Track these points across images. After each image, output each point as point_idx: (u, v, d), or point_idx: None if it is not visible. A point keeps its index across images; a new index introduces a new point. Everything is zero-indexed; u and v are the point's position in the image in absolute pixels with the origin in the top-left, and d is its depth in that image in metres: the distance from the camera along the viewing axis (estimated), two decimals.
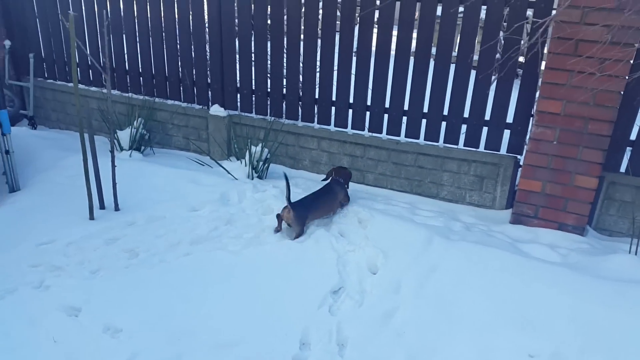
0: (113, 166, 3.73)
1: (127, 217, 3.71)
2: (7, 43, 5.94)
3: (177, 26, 4.97)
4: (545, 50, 3.59)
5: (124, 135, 4.96)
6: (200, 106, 5.14)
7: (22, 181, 4.27)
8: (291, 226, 3.51)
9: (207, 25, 4.84)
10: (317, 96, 4.62)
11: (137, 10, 5.11)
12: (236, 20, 4.69)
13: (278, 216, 3.57)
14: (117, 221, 3.65)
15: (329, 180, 3.93)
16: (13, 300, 2.81)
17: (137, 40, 5.21)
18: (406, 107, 4.26)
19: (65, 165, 4.51)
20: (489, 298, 2.83)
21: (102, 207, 3.82)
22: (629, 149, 3.68)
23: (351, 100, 4.48)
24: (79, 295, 2.83)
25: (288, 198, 3.45)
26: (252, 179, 4.47)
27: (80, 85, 5.68)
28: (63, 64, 5.76)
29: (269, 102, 4.83)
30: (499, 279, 2.96)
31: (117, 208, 3.82)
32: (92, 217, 3.67)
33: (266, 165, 4.57)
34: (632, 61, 3.27)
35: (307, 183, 4.48)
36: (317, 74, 4.57)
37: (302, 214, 3.48)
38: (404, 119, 4.31)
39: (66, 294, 2.85)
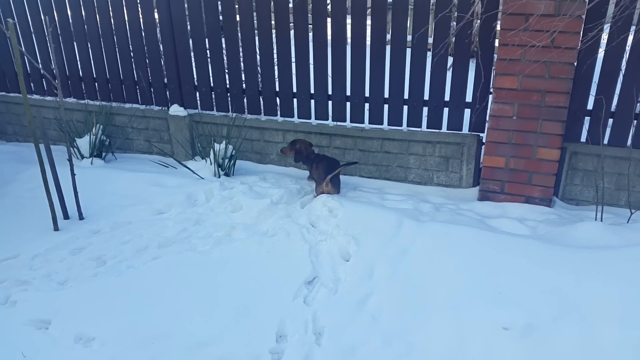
0: (73, 175, 3.63)
1: (92, 226, 3.61)
2: None
3: (127, 29, 4.85)
4: (498, 27, 3.64)
5: (83, 143, 4.82)
6: (159, 107, 5.05)
7: None
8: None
9: (158, 25, 4.74)
10: (277, 89, 4.59)
11: (85, 15, 4.96)
12: (187, 19, 4.61)
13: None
14: (82, 230, 3.55)
15: (316, 155, 4.18)
16: None
17: (89, 45, 5.07)
18: (367, 94, 4.27)
19: (25, 178, 4.37)
20: (460, 275, 2.86)
21: (65, 217, 3.71)
22: (587, 118, 3.77)
23: (312, 91, 4.46)
24: (47, 308, 2.74)
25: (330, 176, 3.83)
26: (219, 177, 4.42)
27: (35, 96, 5.51)
28: (13, 74, 5.57)
29: (229, 98, 4.78)
30: (469, 255, 3.00)
31: (81, 217, 3.72)
32: (56, 228, 3.57)
33: (232, 162, 4.52)
34: (581, 32, 3.35)
35: (276, 177, 4.45)
36: (276, 67, 4.53)
37: (336, 182, 3.89)
38: (366, 105, 4.32)
39: (34, 308, 2.76)
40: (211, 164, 4.48)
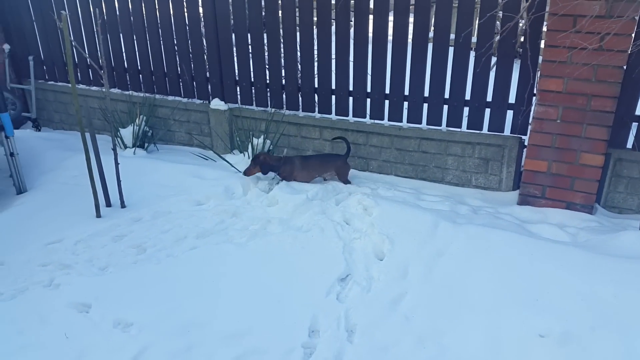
0: (116, 164, 3.74)
1: (133, 214, 3.72)
2: (7, 47, 5.95)
3: (172, 22, 4.96)
4: (545, 28, 3.55)
5: (127, 133, 4.96)
6: (201, 101, 5.14)
7: (28, 183, 4.29)
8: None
9: (202, 20, 4.83)
10: (316, 85, 4.60)
11: (132, 8, 5.09)
12: (231, 14, 4.67)
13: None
14: (124, 218, 3.66)
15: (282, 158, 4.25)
16: (24, 299, 2.83)
17: (134, 38, 5.21)
18: (407, 93, 4.24)
19: (70, 165, 4.53)
20: (497, 280, 2.82)
21: (108, 204, 3.84)
22: (634, 124, 3.64)
23: (351, 88, 4.46)
24: (88, 292, 2.85)
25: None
26: None
27: (80, 86, 5.69)
28: (62, 65, 5.77)
29: (268, 94, 4.82)
30: (507, 260, 2.95)
31: (123, 205, 3.84)
32: (98, 215, 3.69)
33: None
34: (633, 35, 3.23)
35: None
36: (315, 63, 4.55)
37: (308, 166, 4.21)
38: (405, 104, 4.28)
39: (76, 291, 2.87)
40: (249, 158, 4.54)
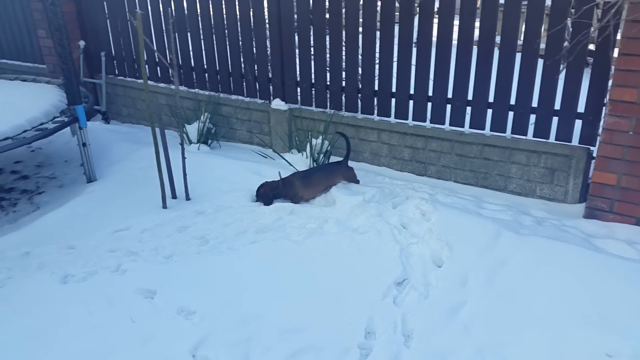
0: (183, 158, 3.88)
1: (197, 207, 3.85)
2: (82, 43, 6.30)
3: (238, 23, 5.09)
4: (619, 36, 3.41)
5: (192, 129, 5.14)
6: (262, 100, 5.25)
7: (98, 172, 4.52)
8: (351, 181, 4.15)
9: (267, 21, 4.93)
10: (376, 88, 4.61)
11: (200, 9, 5.27)
12: (295, 16, 4.75)
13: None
14: (188, 210, 3.80)
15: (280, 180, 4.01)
16: (93, 283, 2.99)
17: (202, 37, 5.38)
18: (470, 97, 4.17)
19: (138, 157, 4.74)
20: (562, 294, 2.73)
21: (173, 196, 3.99)
22: None
23: (412, 92, 4.43)
24: (154, 279, 2.98)
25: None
26: None
27: (149, 82, 5.93)
28: (132, 61, 6.04)
29: (328, 95, 4.86)
30: (571, 274, 2.86)
31: (187, 198, 3.98)
32: (164, 206, 3.85)
33: (327, 158, 4.61)
34: None
35: (368, 175, 4.48)
36: (377, 66, 4.55)
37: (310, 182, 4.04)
38: (468, 109, 4.22)
39: (142, 278, 3.00)
40: (307, 157, 4.60)
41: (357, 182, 4.17)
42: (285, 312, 2.72)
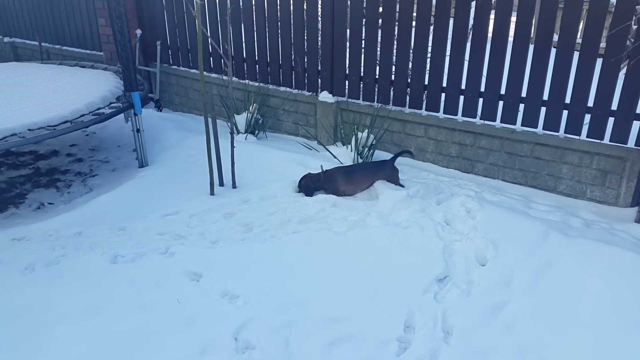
0: (232, 147, 3.97)
1: (243, 195, 3.94)
2: (138, 32, 6.51)
3: (291, 17, 5.13)
4: None
5: (241, 120, 5.24)
6: (310, 93, 5.28)
7: (149, 158, 4.68)
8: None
9: (320, 14, 4.95)
10: (426, 82, 4.56)
11: (255, 1, 5.35)
12: (348, 10, 4.75)
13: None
14: (234, 197, 3.89)
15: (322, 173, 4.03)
16: (142, 263, 3.11)
17: (255, 30, 5.46)
18: (524, 95, 4.07)
19: (188, 145, 4.88)
20: (609, 299, 2.66)
21: (221, 184, 4.09)
22: None
23: (463, 87, 4.36)
24: (200, 263, 3.07)
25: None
26: None
27: None
28: (186, 51, 6.20)
29: (376, 89, 4.85)
30: (620, 279, 2.77)
31: (234, 186, 4.08)
32: (212, 193, 3.96)
33: (371, 151, 4.61)
34: None
35: (412, 170, 4.45)
36: (428, 60, 4.50)
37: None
38: (521, 106, 4.11)
39: (189, 261, 3.10)
40: (352, 150, 4.61)
41: (401, 185, 4.07)
42: (325, 301, 2.76)
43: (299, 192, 4.00)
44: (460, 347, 2.46)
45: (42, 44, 7.68)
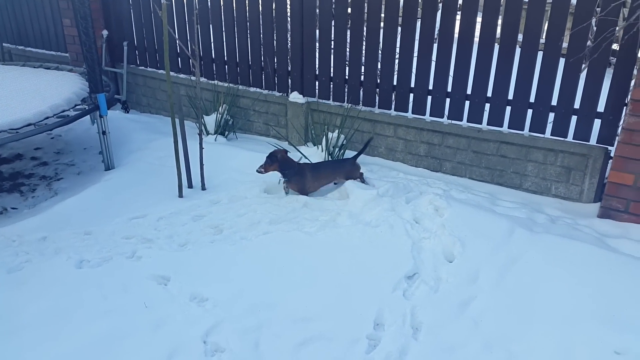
0: (201, 148, 3.93)
1: (212, 196, 3.90)
2: (105, 32, 6.39)
3: (260, 16, 5.12)
4: None
5: (210, 121, 5.19)
6: (280, 93, 5.27)
7: (116, 160, 4.60)
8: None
9: (289, 15, 4.95)
10: (395, 83, 4.60)
11: (223, 1, 5.31)
12: (317, 10, 4.76)
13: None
14: (203, 200, 3.85)
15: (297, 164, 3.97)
16: (109, 268, 3.05)
17: (223, 29, 5.42)
18: (489, 94, 4.15)
19: (156, 147, 4.81)
20: (573, 292, 2.73)
21: (190, 186, 4.05)
22: None
23: (430, 87, 4.42)
24: (168, 266, 3.03)
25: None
26: None
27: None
28: (154, 51, 6.11)
29: (346, 89, 4.87)
30: (584, 273, 2.85)
31: (203, 187, 4.04)
32: (180, 195, 3.91)
33: (342, 151, 4.63)
34: None
35: (382, 170, 4.49)
36: (396, 61, 4.54)
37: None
38: (487, 106, 4.19)
39: (156, 265, 3.06)
40: (322, 151, 4.62)
41: (363, 181, 4.11)
42: (296, 301, 2.76)
43: (272, 164, 3.81)
44: (428, 343, 2.49)
45: (4, 44, 7.47)
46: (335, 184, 4.10)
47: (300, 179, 3.90)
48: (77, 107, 4.45)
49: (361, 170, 4.11)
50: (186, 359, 2.37)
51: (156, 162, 4.52)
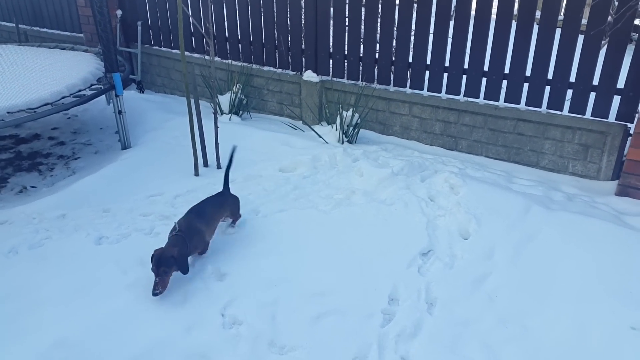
0: (216, 127, 3.95)
1: None
2: (119, 12, 6.39)
3: None
4: None
5: (224, 100, 5.20)
6: (294, 72, 5.25)
7: (132, 139, 4.63)
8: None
9: None
10: (410, 60, 4.55)
11: None
12: None
13: None
14: (219, 178, 3.83)
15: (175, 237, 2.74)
16: (128, 244, 3.10)
17: (237, 8, 5.39)
18: (507, 71, 4.09)
19: (171, 126, 4.84)
20: (589, 269, 2.72)
21: (205, 164, 4.08)
22: None
23: (447, 64, 4.37)
24: None
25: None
26: (342, 143, 4.54)
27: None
28: (167, 31, 6.11)
29: (361, 67, 4.83)
30: (601, 250, 2.83)
31: (219, 166, 4.06)
32: (196, 174, 3.94)
33: (356, 130, 4.62)
34: None
35: (397, 149, 4.47)
36: (412, 38, 4.49)
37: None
38: (504, 83, 4.14)
39: None
40: (337, 130, 4.61)
41: (239, 216, 3.28)
42: (311, 277, 2.78)
43: (167, 275, 2.59)
44: (443, 317, 2.50)
45: (20, 25, 7.51)
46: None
47: (198, 237, 2.81)
48: (93, 86, 4.48)
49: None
50: (205, 331, 2.42)
51: (172, 141, 4.55)
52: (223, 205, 3.13)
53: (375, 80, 4.79)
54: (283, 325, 2.46)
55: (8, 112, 3.84)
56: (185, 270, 2.65)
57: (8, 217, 3.34)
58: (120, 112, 4.50)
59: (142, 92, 6.44)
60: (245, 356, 2.30)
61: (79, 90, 4.34)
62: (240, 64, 5.56)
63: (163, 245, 2.71)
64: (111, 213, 3.43)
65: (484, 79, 4.21)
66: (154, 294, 2.56)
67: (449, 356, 2.29)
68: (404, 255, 2.94)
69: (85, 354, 2.29)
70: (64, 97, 4.19)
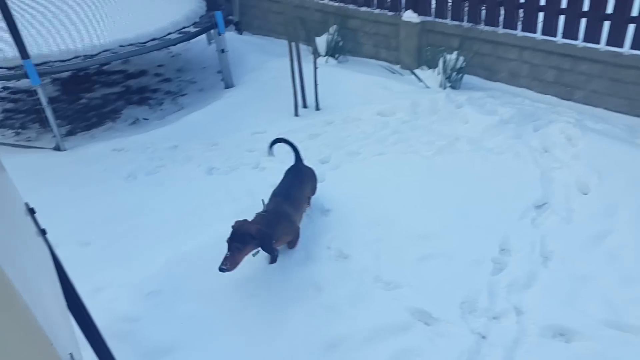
0: (315, 68, 3.91)
1: (326, 117, 3.92)
2: None
3: None
4: None
5: (321, 42, 5.12)
6: (393, 13, 5.03)
7: (234, 79, 4.71)
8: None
9: None
10: (522, 0, 4.20)
11: None
12: None
13: None
14: (318, 119, 3.88)
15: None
16: (236, 176, 3.26)
17: None
18: (635, 13, 3.67)
19: (268, 67, 4.86)
20: None
21: (304, 105, 4.09)
22: None
23: (564, 5, 3.99)
24: None
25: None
26: (445, 88, 4.35)
27: None
28: None
29: (466, 7, 4.53)
30: None
31: (317, 108, 4.06)
32: (296, 114, 3.97)
33: (460, 75, 4.39)
34: None
35: (505, 96, 4.22)
36: None
37: None
38: (631, 27, 3.72)
39: (279, 175, 3.11)
40: (438, 74, 4.42)
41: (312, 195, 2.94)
42: (413, 220, 2.76)
43: (244, 248, 2.28)
44: (559, 271, 2.40)
45: None
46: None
47: (286, 223, 2.53)
48: (196, 24, 4.55)
49: None
50: (317, 261, 2.50)
51: (271, 81, 4.58)
52: (304, 182, 2.81)
53: (482, 22, 4.49)
54: (387, 263, 2.49)
55: (120, 46, 4.01)
56: (270, 250, 2.32)
57: (124, 145, 3.56)
58: (223, 51, 4.56)
59: (240, 34, 6.48)
60: (353, 287, 2.34)
61: (183, 27, 4.44)
62: (336, 4, 5.40)
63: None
64: (219, 147, 3.57)
65: (607, 23, 3.80)
66: (220, 269, 2.16)
67: (566, 310, 2.20)
68: (515, 206, 2.82)
69: (203, 267, 2.43)
70: (169, 34, 4.30)
